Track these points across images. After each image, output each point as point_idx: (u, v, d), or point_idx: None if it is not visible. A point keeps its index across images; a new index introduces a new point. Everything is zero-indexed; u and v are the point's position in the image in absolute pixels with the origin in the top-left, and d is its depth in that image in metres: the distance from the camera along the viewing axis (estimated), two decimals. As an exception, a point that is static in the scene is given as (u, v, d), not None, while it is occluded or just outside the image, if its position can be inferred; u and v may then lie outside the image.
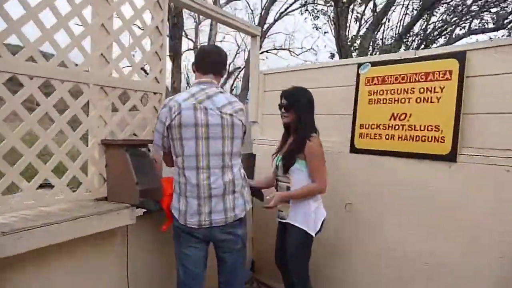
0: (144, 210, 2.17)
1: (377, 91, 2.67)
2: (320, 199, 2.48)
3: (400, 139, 2.54)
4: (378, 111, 2.65)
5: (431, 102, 2.40)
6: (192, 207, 1.94)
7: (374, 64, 2.71)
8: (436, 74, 2.38)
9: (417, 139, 2.45)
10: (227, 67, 2.27)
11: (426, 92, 2.42)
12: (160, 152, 2.18)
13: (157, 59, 2.51)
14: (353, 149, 2.80)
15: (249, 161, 3.55)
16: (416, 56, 2.51)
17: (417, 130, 2.46)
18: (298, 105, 2.38)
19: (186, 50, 17.56)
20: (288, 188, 2.42)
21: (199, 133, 1.89)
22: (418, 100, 2.46)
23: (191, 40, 18.18)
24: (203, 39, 17.61)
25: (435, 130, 2.38)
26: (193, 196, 1.93)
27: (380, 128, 2.64)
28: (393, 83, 2.59)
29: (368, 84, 2.73)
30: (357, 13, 11.23)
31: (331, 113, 2.95)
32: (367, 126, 2.71)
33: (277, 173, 2.51)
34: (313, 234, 2.37)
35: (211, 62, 2.05)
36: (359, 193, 2.78)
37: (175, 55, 11.61)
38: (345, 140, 2.84)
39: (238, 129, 1.98)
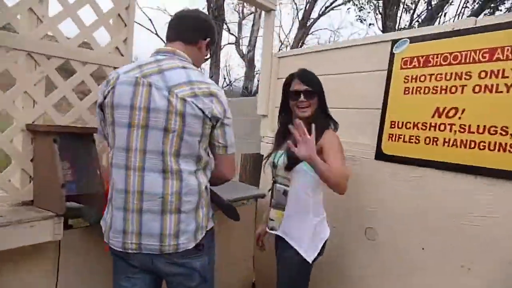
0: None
1: (416, 76, 1.93)
2: (324, 214, 1.88)
3: (447, 144, 1.79)
4: (417, 104, 1.91)
5: (496, 91, 1.63)
6: (117, 221, 1.40)
7: (414, 40, 1.96)
8: (507, 50, 1.61)
9: (473, 145, 1.70)
10: (214, 37, 1.56)
11: (490, 77, 1.66)
12: (106, 144, 1.59)
13: (120, 24, 1.92)
14: (380, 155, 2.07)
15: (255, 163, 2.98)
16: (477, 25, 1.74)
17: (473, 133, 1.70)
18: (322, 92, 1.86)
19: (227, 44, 17.17)
20: (285, 193, 1.84)
21: (134, 119, 1.34)
22: (477, 89, 1.70)
23: (233, 34, 17.76)
24: (246, 34, 17.14)
25: (501, 134, 1.61)
26: (119, 206, 1.39)
27: (418, 128, 1.90)
28: (440, 64, 1.84)
29: (404, 67, 1.98)
30: (406, 4, 10.15)
31: (353, 106, 2.23)
32: (400, 125, 1.97)
33: (275, 172, 1.92)
34: (311, 261, 1.77)
35: (179, 24, 1.50)
36: (385, 216, 2.05)
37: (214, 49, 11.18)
38: (370, 142, 2.12)
39: (193, 121, 1.36)
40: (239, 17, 18.18)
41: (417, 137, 1.90)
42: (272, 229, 1.91)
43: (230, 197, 2.27)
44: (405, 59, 1.99)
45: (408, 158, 1.94)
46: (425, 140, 1.87)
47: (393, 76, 2.03)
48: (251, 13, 16.11)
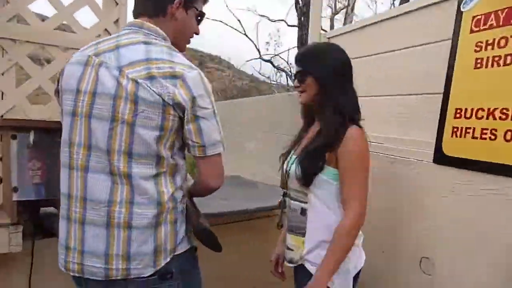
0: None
1: (494, 41, 1.30)
2: (360, 238, 1.42)
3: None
4: (494, 82, 1.29)
5: None
6: (61, 233, 1.16)
7: (492, -12, 1.34)
8: None
9: None
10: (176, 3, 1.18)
11: None
12: None
13: (110, 3, 1.67)
14: (440, 158, 1.47)
15: None
16: None
17: None
18: (320, 72, 1.37)
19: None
20: (303, 212, 1.38)
21: (78, 105, 1.11)
22: None
23: (325, 30, 17.04)
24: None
25: None
26: (62, 215, 1.15)
27: (495, 118, 1.28)
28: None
29: (476, 29, 1.37)
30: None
31: (404, 91, 1.66)
32: (469, 114, 1.37)
33: (287, 184, 1.46)
34: None
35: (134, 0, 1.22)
36: (446, 243, 1.45)
37: (302, 46, 10.80)
38: (427, 139, 1.53)
39: (148, 110, 1.06)
40: (332, 12, 17.41)
41: (494, 131, 1.28)
42: (290, 261, 1.45)
43: (245, 207, 1.86)
44: (477, 17, 1.37)
45: (481, 162, 1.32)
46: (505, 135, 1.24)
47: (460, 45, 1.42)
48: (343, 8, 15.26)
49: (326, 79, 1.35)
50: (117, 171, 1.07)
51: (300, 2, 12.41)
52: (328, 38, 2.32)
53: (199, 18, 1.24)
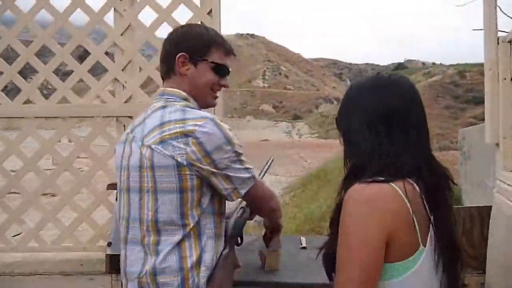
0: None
1: None
2: None
3: None
4: None
5: None
6: None
7: None
8: None
9: None
10: (191, 47, 1.22)
11: None
12: None
13: None
14: None
15: (480, 223, 1.82)
16: None
17: None
18: (346, 123, 1.02)
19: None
20: None
21: (121, 182, 1.24)
22: None
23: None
24: None
25: None
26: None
27: None
28: None
29: None
30: None
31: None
32: None
33: None
34: None
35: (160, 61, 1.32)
36: None
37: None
38: None
39: (165, 174, 1.12)
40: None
41: None
42: None
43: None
44: None
45: None
46: None
47: None
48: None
49: (350, 134, 0.98)
50: (146, 240, 1.14)
51: None
52: (510, 42, 1.76)
53: (218, 70, 1.24)
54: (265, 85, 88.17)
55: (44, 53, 2.22)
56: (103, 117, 2.00)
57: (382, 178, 0.87)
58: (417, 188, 0.89)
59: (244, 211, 1.35)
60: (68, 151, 2.07)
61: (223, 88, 1.32)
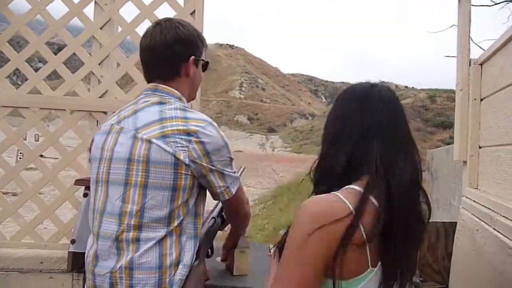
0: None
1: None
2: None
3: None
4: None
5: None
6: None
7: None
8: None
9: None
10: (197, 49, 1.26)
11: None
12: None
13: None
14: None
15: (445, 240, 1.91)
16: None
17: None
18: (331, 127, 1.00)
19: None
20: None
21: (100, 173, 1.20)
22: None
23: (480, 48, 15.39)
24: None
25: None
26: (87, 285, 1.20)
27: None
28: None
29: None
30: None
31: None
32: None
33: None
34: None
35: (151, 61, 1.27)
36: None
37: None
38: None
39: (160, 170, 1.12)
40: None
41: None
42: None
43: None
44: None
45: None
46: None
47: None
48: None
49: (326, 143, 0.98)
50: (125, 236, 1.10)
51: None
52: (481, 64, 1.80)
53: (205, 66, 1.32)
54: (242, 96, 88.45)
55: (21, 43, 2.14)
56: (76, 110, 1.94)
57: (336, 193, 0.84)
58: (378, 206, 0.84)
59: (215, 222, 1.36)
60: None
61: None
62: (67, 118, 1.95)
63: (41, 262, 1.76)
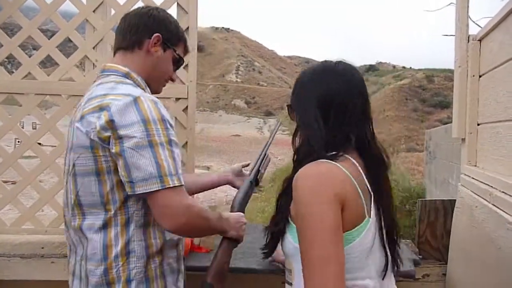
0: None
1: None
2: None
3: None
4: None
5: None
6: None
7: None
8: None
9: None
10: (168, 32, 1.21)
11: None
12: None
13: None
14: None
15: (444, 218, 1.89)
16: None
17: None
18: (297, 104, 1.12)
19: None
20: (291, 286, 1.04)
21: (65, 165, 1.19)
22: None
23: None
24: None
25: None
26: None
27: None
28: None
29: None
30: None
31: None
32: None
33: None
34: None
35: (120, 28, 1.23)
36: None
37: None
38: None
39: (80, 155, 1.06)
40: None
41: None
42: None
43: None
44: None
45: None
46: None
47: None
48: None
49: (300, 114, 1.09)
50: (73, 225, 1.10)
51: None
52: (480, 40, 1.77)
53: (176, 62, 1.25)
54: (238, 80, 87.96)
55: (14, 31, 2.09)
56: (72, 95, 1.92)
57: (325, 160, 0.95)
58: (358, 166, 0.98)
59: (251, 185, 1.42)
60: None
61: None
62: (64, 103, 1.93)
63: (42, 248, 1.77)
